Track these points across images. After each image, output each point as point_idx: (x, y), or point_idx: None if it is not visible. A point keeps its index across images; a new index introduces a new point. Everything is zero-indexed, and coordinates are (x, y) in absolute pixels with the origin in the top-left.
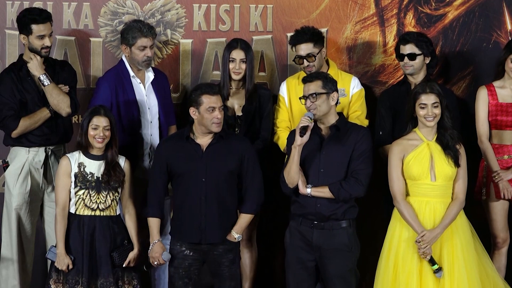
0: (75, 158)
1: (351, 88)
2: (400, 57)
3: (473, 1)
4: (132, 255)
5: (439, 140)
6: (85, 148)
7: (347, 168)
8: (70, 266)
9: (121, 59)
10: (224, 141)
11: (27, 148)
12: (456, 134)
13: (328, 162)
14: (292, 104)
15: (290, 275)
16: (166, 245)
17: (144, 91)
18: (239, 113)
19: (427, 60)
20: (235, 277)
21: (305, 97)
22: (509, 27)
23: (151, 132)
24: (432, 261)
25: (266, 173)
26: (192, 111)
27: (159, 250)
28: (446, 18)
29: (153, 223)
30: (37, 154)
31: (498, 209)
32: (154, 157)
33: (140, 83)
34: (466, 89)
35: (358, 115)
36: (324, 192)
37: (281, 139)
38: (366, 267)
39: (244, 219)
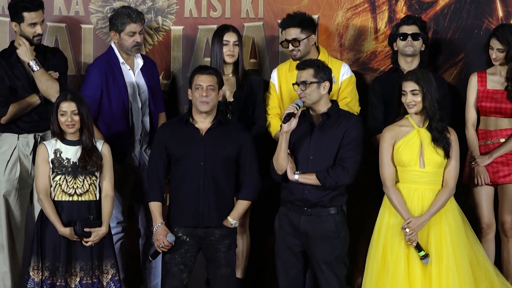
0: (52, 145)
1: (341, 74)
2: (403, 36)
3: None
4: (96, 230)
5: (430, 128)
6: (60, 135)
7: (336, 156)
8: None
9: (110, 46)
10: (223, 127)
11: (17, 135)
12: (442, 126)
13: (317, 149)
14: (283, 91)
15: (279, 260)
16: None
17: (134, 77)
18: (230, 99)
19: (423, 48)
20: (231, 263)
21: (297, 84)
22: (500, 14)
23: (142, 118)
24: (418, 248)
25: (260, 160)
26: (189, 92)
27: (163, 232)
28: (437, 4)
29: (155, 207)
30: (27, 141)
31: (481, 194)
32: (154, 141)
33: (129, 69)
34: (457, 76)
35: (347, 102)
36: (311, 179)
37: (272, 125)
38: (358, 254)
39: (241, 205)
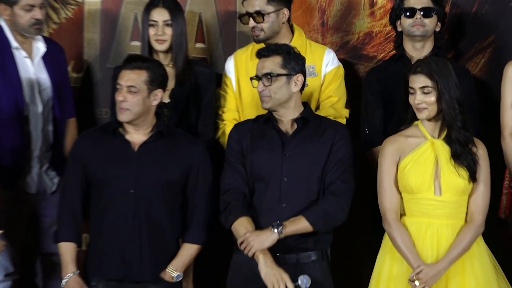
0: None
1: (324, 65)
2: (409, 12)
3: None
4: None
5: (448, 140)
6: None
7: (321, 176)
8: None
9: None
10: (165, 140)
11: None
12: (466, 135)
13: (293, 168)
14: (242, 87)
15: None
16: None
17: (32, 68)
18: (166, 99)
19: (438, 27)
20: None
21: (257, 78)
22: None
23: (43, 127)
24: None
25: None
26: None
27: (75, 286)
28: None
29: (66, 250)
30: None
31: None
32: (69, 158)
33: (26, 57)
34: (487, 66)
35: (333, 102)
36: (300, 226)
37: (226, 135)
38: None
39: (188, 251)
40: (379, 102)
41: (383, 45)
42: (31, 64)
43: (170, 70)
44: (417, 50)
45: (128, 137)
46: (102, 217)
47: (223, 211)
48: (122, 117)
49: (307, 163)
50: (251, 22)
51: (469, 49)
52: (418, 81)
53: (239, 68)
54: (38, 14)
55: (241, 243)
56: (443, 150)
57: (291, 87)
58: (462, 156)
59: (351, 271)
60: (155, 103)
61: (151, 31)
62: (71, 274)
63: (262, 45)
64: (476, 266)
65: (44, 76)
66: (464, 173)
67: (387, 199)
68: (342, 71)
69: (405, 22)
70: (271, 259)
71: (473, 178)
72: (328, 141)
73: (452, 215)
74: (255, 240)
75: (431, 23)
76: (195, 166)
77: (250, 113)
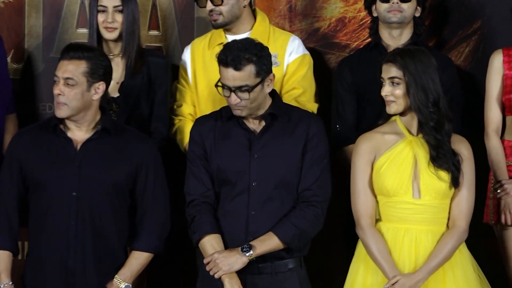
0: None
1: (288, 53)
2: None
3: None
4: None
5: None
6: None
7: (295, 178)
8: None
9: None
10: (112, 137)
11: None
12: (440, 137)
13: (262, 169)
14: (198, 79)
15: None
16: None
17: None
18: (114, 93)
19: (418, 13)
20: None
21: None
22: None
23: None
24: None
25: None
26: None
27: None
28: None
29: (3, 260)
30: None
31: None
32: (4, 159)
33: None
34: (471, 57)
35: (296, 95)
36: (271, 245)
37: (182, 132)
38: None
39: (138, 259)
40: (351, 95)
41: (357, 32)
42: None
43: (119, 61)
44: (394, 38)
45: (69, 134)
46: (41, 223)
47: (189, 226)
48: (59, 112)
49: (277, 165)
50: (209, 5)
51: (452, 36)
52: (388, 71)
53: (196, 59)
54: None
55: (208, 263)
56: (423, 149)
57: (265, 90)
58: (441, 158)
59: (322, 282)
60: (96, 97)
61: (100, 18)
62: (4, 285)
63: (222, 31)
64: (458, 276)
65: None
66: (445, 175)
67: (361, 203)
68: (308, 60)
69: (381, 7)
70: (238, 284)
71: (454, 183)
72: (301, 138)
73: (433, 220)
74: (223, 263)
75: (409, 8)
76: (144, 166)
77: (206, 108)
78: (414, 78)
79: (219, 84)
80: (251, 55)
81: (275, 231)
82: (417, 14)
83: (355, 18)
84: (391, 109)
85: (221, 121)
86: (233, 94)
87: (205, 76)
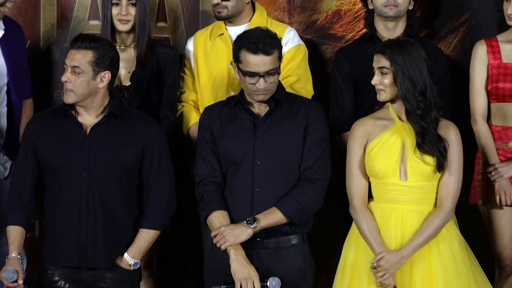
0: None
1: (283, 43)
2: None
3: None
4: None
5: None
6: None
7: (297, 159)
8: None
9: None
10: (119, 121)
11: None
12: (426, 124)
13: (266, 150)
14: (199, 68)
15: None
16: None
17: None
18: (126, 82)
19: (411, 6)
20: None
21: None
22: None
23: None
24: None
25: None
26: None
27: (13, 264)
28: None
29: (12, 233)
30: None
31: (504, 219)
32: (21, 142)
33: None
34: (459, 47)
35: (291, 82)
36: (275, 218)
37: (187, 118)
38: None
39: (145, 237)
40: (349, 85)
41: (352, 24)
42: None
43: (132, 51)
44: (389, 30)
45: (80, 119)
46: (55, 203)
47: (198, 205)
48: (67, 98)
49: (280, 146)
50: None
51: (442, 28)
52: (378, 61)
53: (198, 49)
54: None
55: (215, 236)
56: (411, 134)
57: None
58: (426, 144)
59: (320, 259)
60: (101, 85)
61: (114, 11)
62: (11, 256)
63: (222, 23)
64: (443, 250)
65: (0, 63)
66: (430, 159)
67: (354, 185)
68: (303, 50)
69: (378, 2)
70: (243, 255)
71: (438, 168)
72: (302, 122)
73: (419, 200)
74: (229, 234)
75: (404, 2)
76: (150, 147)
77: (207, 95)
78: (402, 69)
79: (247, 71)
80: (274, 40)
81: (278, 206)
82: (410, 7)
83: (350, 10)
84: (381, 96)
85: (228, 107)
86: (261, 79)
87: (206, 65)
